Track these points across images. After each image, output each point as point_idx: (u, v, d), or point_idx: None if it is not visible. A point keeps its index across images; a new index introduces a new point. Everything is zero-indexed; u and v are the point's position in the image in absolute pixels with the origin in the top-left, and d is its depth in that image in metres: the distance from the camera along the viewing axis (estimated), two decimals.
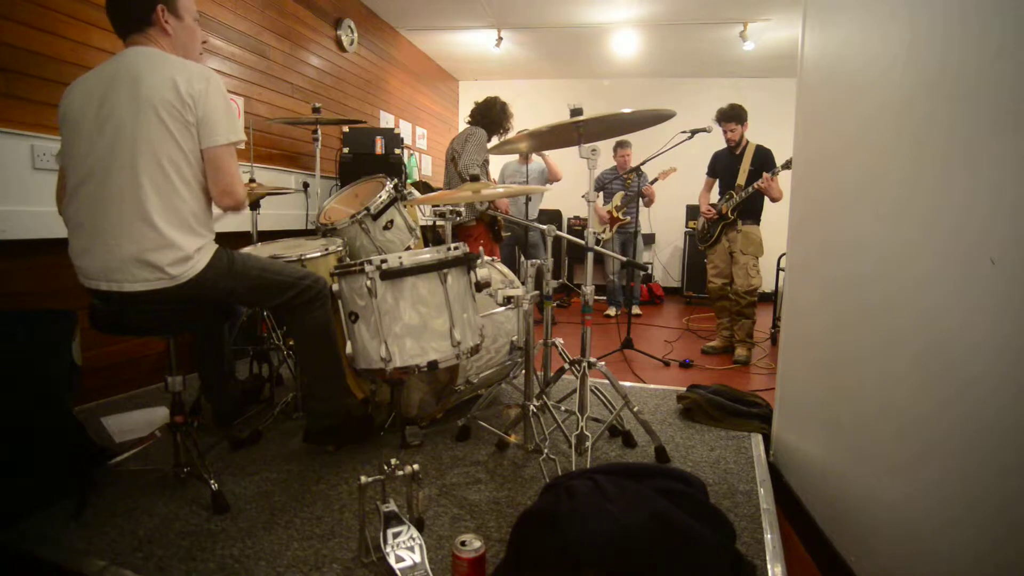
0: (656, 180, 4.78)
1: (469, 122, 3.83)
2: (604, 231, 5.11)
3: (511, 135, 3.68)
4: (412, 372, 1.79)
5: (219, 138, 1.51)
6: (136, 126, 1.44)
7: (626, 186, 4.88)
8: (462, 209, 2.30)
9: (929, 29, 1.17)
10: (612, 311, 5.25)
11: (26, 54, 2.17)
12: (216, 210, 1.62)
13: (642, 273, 5.36)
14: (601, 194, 5.15)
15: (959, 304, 1.02)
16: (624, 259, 2.59)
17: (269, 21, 3.60)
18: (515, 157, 4.89)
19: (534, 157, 4.81)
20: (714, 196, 3.96)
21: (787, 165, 3.37)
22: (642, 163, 4.15)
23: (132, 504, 1.59)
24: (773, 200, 3.57)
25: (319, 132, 3.16)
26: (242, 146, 1.60)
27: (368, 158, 3.91)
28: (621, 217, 4.98)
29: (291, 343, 2.30)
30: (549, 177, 4.80)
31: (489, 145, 3.77)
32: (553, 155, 4.78)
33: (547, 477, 1.71)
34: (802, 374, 1.89)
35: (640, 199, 4.83)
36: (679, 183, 4.95)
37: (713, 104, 3.85)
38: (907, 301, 1.19)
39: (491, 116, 3.76)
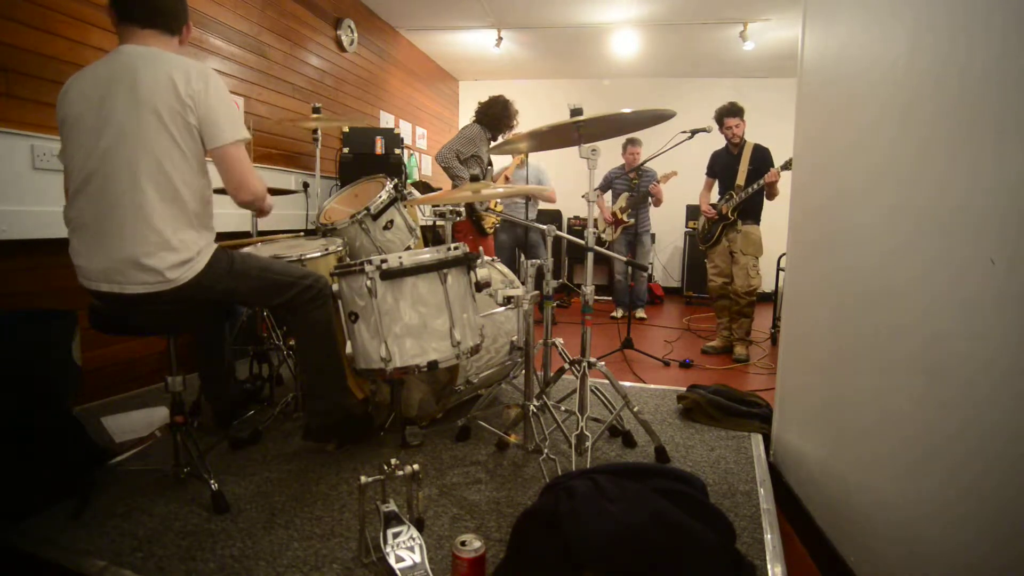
0: (657, 183, 4.78)
1: (473, 119, 3.86)
2: (605, 231, 5.09)
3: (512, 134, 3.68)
4: (412, 372, 1.79)
5: (225, 138, 1.51)
6: (136, 129, 1.44)
7: (631, 186, 4.85)
8: (462, 209, 2.30)
9: (931, 29, 1.17)
10: (619, 312, 5.15)
11: (26, 54, 2.17)
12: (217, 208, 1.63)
13: (644, 274, 5.30)
14: (609, 193, 5.14)
15: (959, 304, 1.02)
16: (624, 259, 2.59)
17: (269, 21, 3.60)
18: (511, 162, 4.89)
19: (530, 161, 4.80)
20: (714, 196, 3.97)
21: (787, 166, 3.37)
22: (642, 163, 4.14)
23: (132, 504, 1.59)
24: (771, 197, 3.57)
25: (319, 132, 3.15)
26: (247, 142, 1.59)
27: (368, 158, 3.91)
28: (625, 219, 4.95)
29: (291, 343, 2.30)
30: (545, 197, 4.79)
31: (492, 144, 3.77)
32: (548, 165, 4.80)
33: (547, 477, 1.71)
34: (802, 374, 1.89)
35: (648, 199, 4.82)
36: (679, 183, 4.94)
37: (713, 104, 3.85)
38: (907, 302, 1.19)
39: (491, 113, 3.78)
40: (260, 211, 1.67)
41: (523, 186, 3.97)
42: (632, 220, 4.86)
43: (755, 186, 3.54)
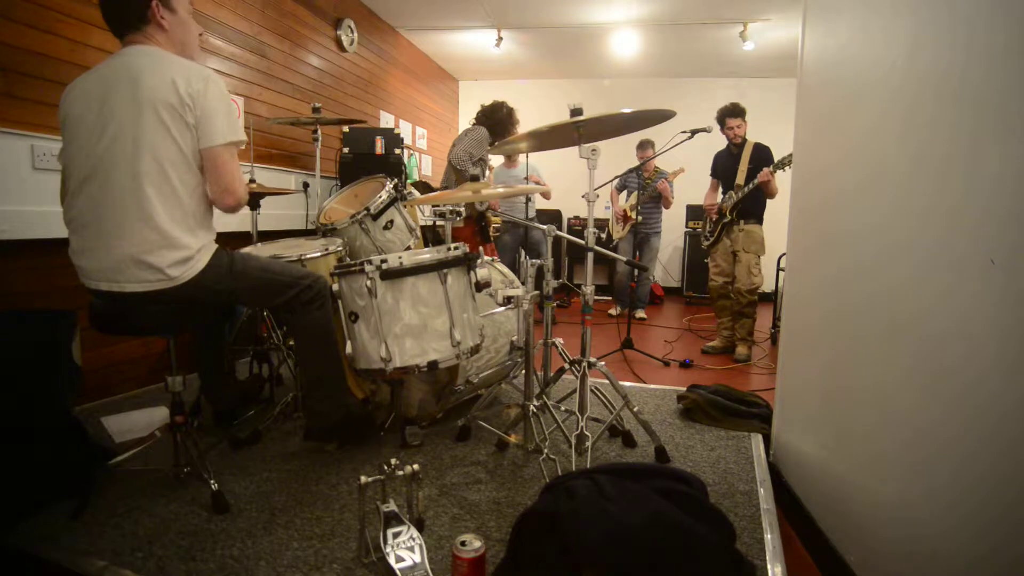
0: (664, 180, 4.78)
1: (473, 122, 3.84)
2: (617, 230, 5.10)
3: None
4: (412, 372, 1.79)
5: (217, 138, 1.50)
6: (137, 128, 1.44)
7: (643, 184, 4.86)
8: (462, 209, 2.30)
9: (932, 29, 1.17)
10: (615, 311, 5.21)
11: (26, 54, 2.17)
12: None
13: (643, 274, 5.31)
14: (624, 192, 5.17)
15: (959, 304, 1.02)
16: (624, 259, 2.59)
17: (269, 21, 3.60)
18: (500, 161, 4.88)
19: (520, 160, 4.79)
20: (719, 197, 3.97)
21: (781, 165, 3.38)
22: (641, 163, 4.14)
23: (132, 504, 1.59)
24: (769, 196, 3.59)
25: (319, 132, 3.16)
26: (242, 146, 1.60)
27: (368, 158, 3.91)
28: (633, 217, 4.96)
29: (291, 343, 2.30)
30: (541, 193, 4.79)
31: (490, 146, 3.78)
32: (548, 164, 4.79)
33: (547, 477, 1.71)
34: (802, 374, 1.89)
35: (659, 200, 4.83)
36: (678, 183, 4.94)
37: (713, 104, 3.86)
38: (907, 302, 1.19)
39: (495, 118, 3.77)
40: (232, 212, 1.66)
41: (522, 186, 3.97)
42: (639, 219, 4.86)
43: (749, 186, 3.55)
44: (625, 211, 5.02)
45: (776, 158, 3.58)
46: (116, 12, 1.54)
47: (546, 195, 4.72)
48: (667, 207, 4.99)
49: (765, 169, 3.47)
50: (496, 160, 4.82)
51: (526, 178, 4.58)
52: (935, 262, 1.10)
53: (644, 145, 4.92)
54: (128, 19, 1.53)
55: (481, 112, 3.84)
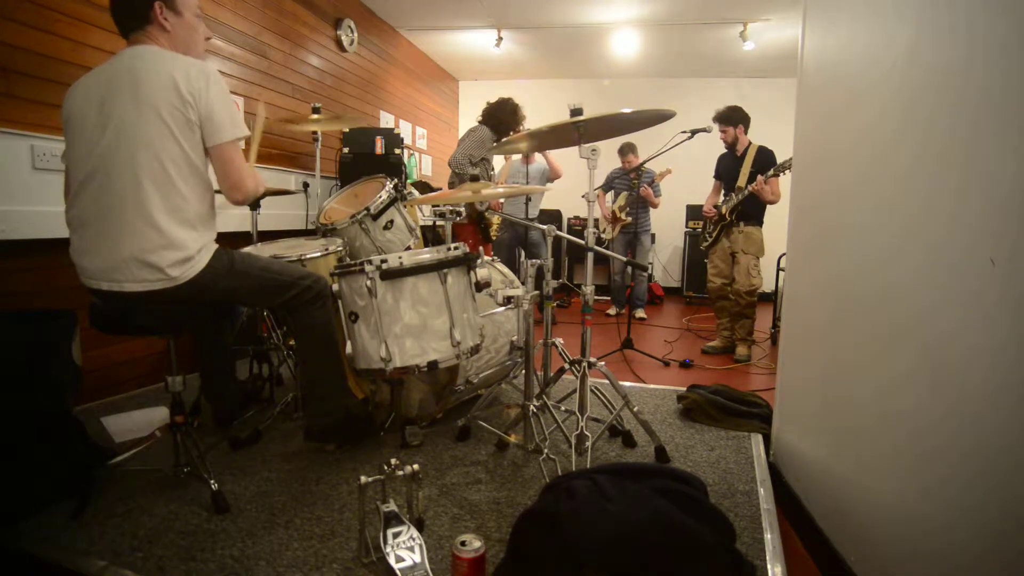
0: (647, 186, 4.79)
1: (479, 120, 3.82)
2: (606, 231, 5.10)
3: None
4: (412, 372, 1.79)
5: (225, 135, 1.52)
6: (138, 126, 1.44)
7: (631, 186, 4.87)
8: (462, 209, 2.30)
9: (932, 29, 1.17)
10: (613, 311, 5.24)
11: (26, 54, 2.17)
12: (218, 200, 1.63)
13: (643, 274, 5.31)
14: (611, 192, 5.17)
15: (959, 305, 1.02)
16: (624, 259, 2.59)
17: (269, 21, 3.60)
18: (518, 156, 4.86)
19: (536, 157, 4.77)
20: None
21: (780, 169, 3.38)
22: (642, 163, 4.14)
23: (132, 504, 1.59)
24: (768, 203, 3.60)
25: (319, 132, 3.15)
26: (242, 144, 1.60)
27: (368, 158, 3.91)
28: (623, 217, 4.97)
29: (291, 343, 2.30)
30: (550, 175, 4.77)
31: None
32: (554, 153, 4.74)
33: (547, 477, 1.71)
34: (802, 374, 1.89)
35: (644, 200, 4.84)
36: (678, 183, 4.94)
37: (713, 104, 3.86)
38: (907, 302, 1.19)
39: (499, 116, 3.74)
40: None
41: (523, 186, 3.97)
42: (630, 219, 4.87)
43: (747, 190, 3.55)
44: (614, 212, 5.03)
45: (778, 159, 3.59)
46: (121, 12, 1.56)
47: (556, 173, 4.64)
48: (654, 207, 4.99)
49: (760, 177, 3.48)
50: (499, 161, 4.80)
51: (525, 177, 4.56)
52: (935, 262, 1.10)
53: (625, 150, 4.91)
54: (132, 19, 1.54)
55: (485, 111, 3.80)
